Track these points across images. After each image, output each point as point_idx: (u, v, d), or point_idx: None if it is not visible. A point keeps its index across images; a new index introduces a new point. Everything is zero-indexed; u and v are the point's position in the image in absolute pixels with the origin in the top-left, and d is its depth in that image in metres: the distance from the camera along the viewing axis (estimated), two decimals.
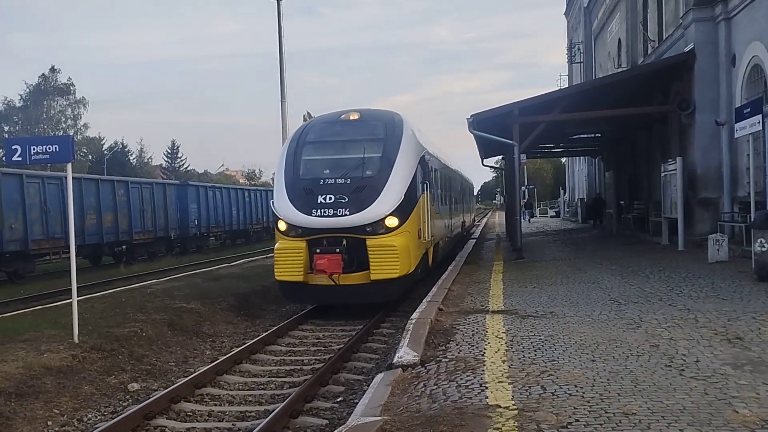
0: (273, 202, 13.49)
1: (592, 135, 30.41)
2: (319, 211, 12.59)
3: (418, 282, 14.74)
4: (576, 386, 6.08)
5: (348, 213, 12.50)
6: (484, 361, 7.18)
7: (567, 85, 47.34)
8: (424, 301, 11.36)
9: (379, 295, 12.81)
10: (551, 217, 58.33)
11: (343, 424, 5.66)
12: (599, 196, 36.45)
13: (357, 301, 13.04)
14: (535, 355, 7.38)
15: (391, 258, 12.43)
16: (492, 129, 19.86)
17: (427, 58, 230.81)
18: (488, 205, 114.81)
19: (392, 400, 6.21)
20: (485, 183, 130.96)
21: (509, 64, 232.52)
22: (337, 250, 12.42)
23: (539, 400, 5.73)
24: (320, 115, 15.68)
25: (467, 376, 6.66)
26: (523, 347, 7.76)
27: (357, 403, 6.71)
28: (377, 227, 12.60)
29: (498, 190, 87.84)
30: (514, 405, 5.61)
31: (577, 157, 48.69)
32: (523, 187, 39.76)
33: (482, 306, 10.91)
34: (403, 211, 12.87)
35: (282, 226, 13.06)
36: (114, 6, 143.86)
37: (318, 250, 12.48)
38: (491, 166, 52.97)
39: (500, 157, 37.92)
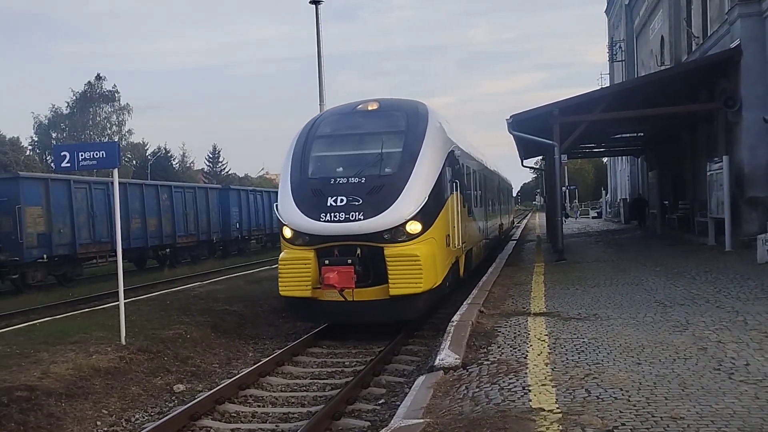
0: (276, 206, 11.89)
1: (635, 134, 29.87)
2: (328, 215, 10.90)
3: (450, 294, 13.26)
4: (621, 389, 5.99)
5: (362, 217, 10.80)
6: (527, 364, 7.12)
7: (608, 84, 46.65)
8: (464, 303, 11.32)
9: (400, 313, 11.07)
10: (593, 218, 57.48)
11: (386, 427, 5.68)
12: (642, 196, 35.81)
13: (373, 321, 11.57)
14: (579, 357, 7.29)
15: (413, 270, 10.65)
16: (532, 129, 19.69)
17: (464, 59, 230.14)
18: (528, 207, 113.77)
19: (434, 402, 6.20)
20: (525, 184, 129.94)
21: (548, 64, 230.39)
22: (349, 261, 10.74)
23: (584, 403, 5.66)
24: (334, 107, 14.04)
25: (510, 378, 6.61)
26: (567, 350, 7.67)
27: (399, 405, 6.72)
28: (397, 234, 10.84)
29: (538, 191, 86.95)
30: (558, 408, 5.55)
31: (619, 157, 47.92)
32: (563, 188, 39.29)
33: (524, 308, 10.82)
34: (427, 214, 11.11)
35: (287, 233, 11.43)
36: (156, 15, 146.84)
37: (327, 261, 10.82)
38: (531, 167, 52.56)
39: (540, 157, 37.54)
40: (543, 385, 6.30)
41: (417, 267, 10.66)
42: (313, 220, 10.98)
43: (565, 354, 7.47)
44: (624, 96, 21.06)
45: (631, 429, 5.00)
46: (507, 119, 19.24)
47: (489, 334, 8.85)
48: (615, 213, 48.45)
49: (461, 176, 14.25)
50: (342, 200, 10.98)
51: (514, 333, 8.82)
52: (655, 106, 21.67)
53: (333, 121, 13.01)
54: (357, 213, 10.84)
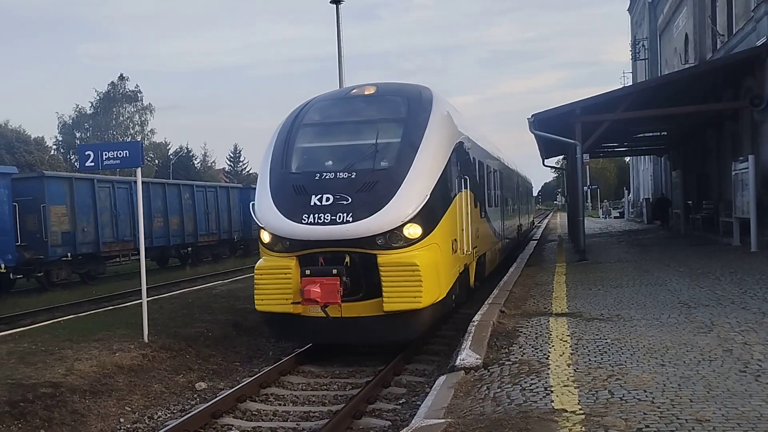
0: (253, 206, 10.25)
1: (658, 133, 29.58)
2: (312, 216, 9.37)
3: (460, 305, 12.12)
4: (645, 391, 5.92)
5: (352, 219, 9.26)
6: (549, 365, 7.07)
7: (631, 83, 46.22)
8: (485, 303, 11.26)
9: (396, 333, 9.52)
10: (615, 217, 57.00)
11: (407, 426, 5.67)
12: (665, 195, 35.44)
13: (365, 341, 10.21)
14: (602, 358, 7.22)
15: (411, 281, 9.11)
16: (553, 128, 19.55)
17: (486, 58, 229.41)
18: (549, 206, 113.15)
19: (455, 402, 6.18)
20: (546, 183, 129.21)
21: (570, 62, 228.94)
22: (335, 271, 9.16)
23: (607, 405, 5.60)
24: (327, 92, 12.42)
25: (531, 379, 6.57)
26: (589, 351, 7.61)
27: (419, 405, 6.70)
28: (392, 238, 9.34)
29: (559, 190, 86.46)
30: (580, 409, 5.50)
31: (642, 156, 47.46)
32: (585, 188, 38.99)
33: (545, 308, 10.74)
34: (429, 215, 9.63)
35: (264, 237, 9.89)
36: (179, 16, 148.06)
37: (308, 272, 9.25)
38: (552, 167, 52.23)
39: (561, 157, 37.30)
40: (565, 386, 6.25)
41: (416, 278, 9.11)
42: (294, 223, 9.45)
43: (588, 355, 7.41)
44: (647, 95, 20.85)
45: (655, 431, 4.94)
46: (528, 118, 19.11)
47: (510, 335, 8.80)
48: (638, 213, 48.00)
49: (472, 172, 12.89)
50: (328, 199, 9.47)
51: (536, 333, 8.76)
52: (679, 105, 21.43)
53: (323, 107, 11.44)
54: (345, 214, 9.31)
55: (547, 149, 28.22)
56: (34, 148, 65.63)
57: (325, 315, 9.18)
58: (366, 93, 11.30)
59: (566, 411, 5.49)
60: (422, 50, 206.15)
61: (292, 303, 9.38)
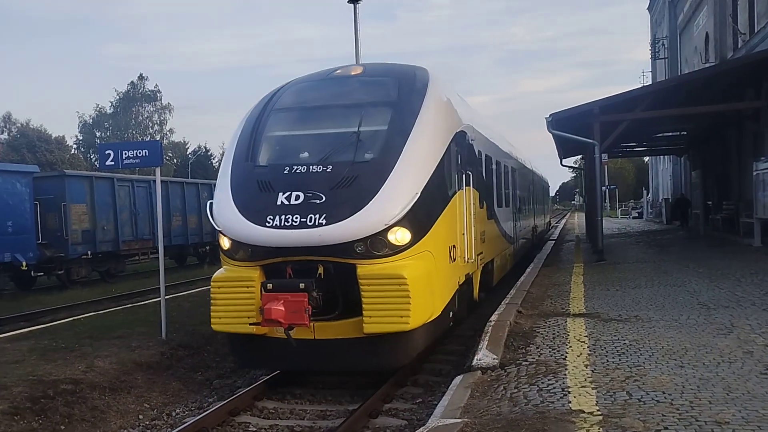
0: (211, 205, 8.75)
1: (678, 133, 29.33)
2: (278, 218, 7.87)
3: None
4: (664, 393, 5.89)
5: (325, 222, 7.75)
6: (566, 365, 7.04)
7: (650, 83, 45.85)
8: (502, 303, 11.23)
9: (379, 360, 8.05)
10: (633, 218, 56.56)
11: (423, 426, 5.67)
12: (684, 196, 35.13)
13: (342, 368, 8.70)
14: (620, 359, 7.18)
15: (397, 298, 7.61)
16: (571, 128, 19.45)
17: (504, 58, 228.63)
18: (566, 206, 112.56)
19: (472, 402, 6.17)
20: (564, 183, 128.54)
21: (588, 62, 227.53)
22: (302, 285, 7.61)
23: (625, 406, 5.58)
24: (308, 74, 10.76)
25: (549, 380, 6.55)
26: (607, 351, 7.57)
27: (436, 404, 6.70)
28: (375, 245, 7.83)
29: (577, 190, 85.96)
30: (598, 410, 5.48)
31: (661, 156, 47.07)
32: (603, 187, 38.73)
33: (563, 309, 10.69)
34: (420, 216, 8.15)
35: (224, 242, 8.43)
36: (197, 16, 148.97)
37: (269, 286, 7.73)
38: (570, 166, 51.90)
39: (579, 156, 37.09)
40: (583, 386, 6.22)
41: (403, 293, 7.60)
42: (257, 226, 7.95)
43: (606, 356, 7.37)
44: (667, 94, 20.68)
45: None
46: (546, 118, 19.02)
47: (527, 335, 8.78)
48: (656, 213, 47.63)
49: (477, 167, 11.44)
50: (298, 197, 7.99)
51: (553, 334, 8.73)
52: (699, 104, 21.24)
53: (300, 90, 9.97)
54: (318, 215, 7.80)
55: (565, 149, 28.08)
56: (55, 147, 66.42)
57: (289, 338, 7.61)
58: (352, 73, 9.94)
59: (584, 412, 5.47)
60: (439, 50, 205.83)
61: (254, 323, 7.86)
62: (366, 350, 7.90)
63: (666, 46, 42.99)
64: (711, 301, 10.61)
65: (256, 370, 9.74)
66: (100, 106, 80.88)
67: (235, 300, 8.08)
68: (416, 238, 8.05)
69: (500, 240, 14.49)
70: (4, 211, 19.53)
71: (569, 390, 6.13)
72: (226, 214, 8.33)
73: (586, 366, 6.97)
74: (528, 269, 16.71)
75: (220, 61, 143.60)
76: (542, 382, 6.47)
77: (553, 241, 29.10)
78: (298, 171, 8.31)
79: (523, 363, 7.33)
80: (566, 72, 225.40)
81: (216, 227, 8.53)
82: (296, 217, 7.86)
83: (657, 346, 7.69)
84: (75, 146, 78.14)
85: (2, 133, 73.90)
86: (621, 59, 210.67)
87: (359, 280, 7.73)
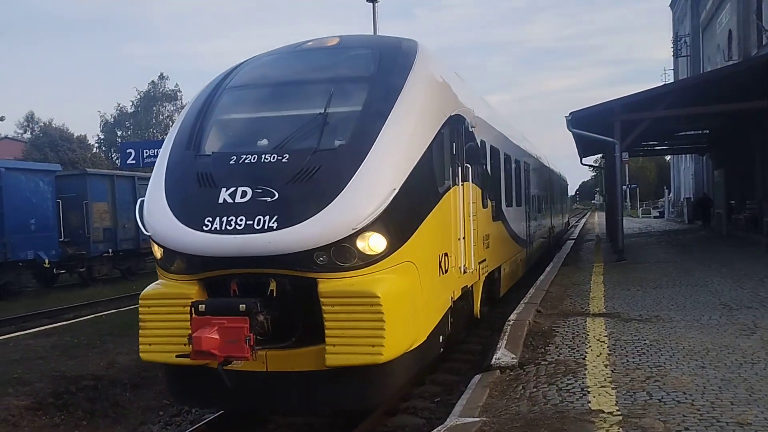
0: (141, 203, 7.17)
1: (700, 131, 29.01)
2: (218, 221, 6.39)
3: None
4: (685, 393, 5.84)
5: (277, 225, 6.25)
6: (586, 365, 7.00)
7: (672, 81, 45.40)
8: (521, 302, 11.18)
9: (346, 398, 6.57)
10: (654, 217, 56.06)
11: (442, 424, 5.67)
12: (707, 195, 34.75)
13: (301, 407, 7.15)
14: (640, 359, 7.13)
15: (368, 322, 6.11)
16: (591, 127, 19.32)
17: (524, 56, 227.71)
18: (587, 206, 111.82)
19: (490, 401, 6.16)
20: (584, 182, 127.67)
21: (609, 60, 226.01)
22: (243, 306, 6.07)
23: (645, 406, 5.54)
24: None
25: (568, 379, 6.52)
26: (627, 351, 7.52)
27: (454, 403, 6.70)
28: (341, 255, 6.32)
29: (597, 189, 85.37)
30: (618, 410, 5.45)
31: (683, 155, 46.59)
32: (624, 187, 38.37)
33: (582, 308, 10.63)
34: (400, 218, 6.61)
35: (156, 250, 6.98)
36: (216, 15, 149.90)
37: (201, 307, 6.19)
38: (590, 165, 51.56)
39: (600, 155, 36.82)
40: (602, 386, 6.19)
41: (375, 316, 6.10)
42: (192, 230, 6.44)
43: (626, 356, 7.32)
44: (689, 92, 20.46)
45: None
46: (566, 116, 18.93)
47: (546, 334, 8.74)
48: (678, 213, 47.17)
49: (480, 160, 9.96)
50: (245, 193, 6.51)
51: (573, 333, 8.68)
52: (722, 103, 20.98)
53: (262, 65, 8.48)
54: (268, 217, 6.31)
55: (585, 148, 27.90)
56: (77, 146, 67.08)
57: (223, 375, 6.09)
58: (327, 45, 8.45)
59: (603, 412, 5.44)
60: (459, 48, 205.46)
61: (181, 355, 6.29)
62: (330, 386, 6.38)
63: (688, 44, 42.53)
64: (733, 302, 10.49)
65: (195, 408, 8.10)
66: (121, 105, 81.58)
67: (168, 323, 6.51)
68: (394, 245, 6.49)
69: (509, 244, 13.02)
70: (27, 209, 19.80)
71: (589, 390, 6.10)
72: (157, 216, 6.82)
73: (606, 366, 6.92)
74: (547, 268, 16.63)
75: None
76: (561, 382, 6.44)
77: (573, 241, 28.92)
78: (246, 161, 6.75)
79: (543, 362, 7.30)
80: (586, 70, 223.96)
81: (144, 232, 6.95)
82: (241, 219, 6.35)
83: (678, 347, 7.62)
84: (96, 145, 78.89)
85: (25, 132, 74.98)
86: (642, 57, 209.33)
87: (320, 299, 6.20)
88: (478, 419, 5.54)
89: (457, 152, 8.34)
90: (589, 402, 5.74)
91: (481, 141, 10.19)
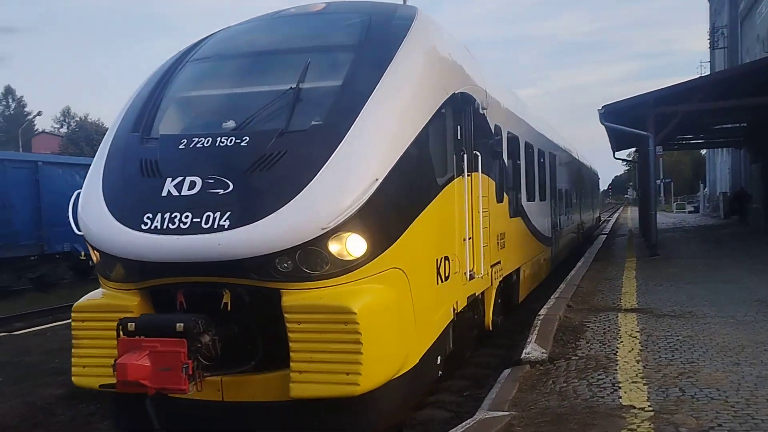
0: (78, 196, 6.30)
1: (737, 124, 28.43)
2: (159, 218, 5.36)
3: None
4: (718, 390, 5.75)
5: (229, 223, 5.22)
6: (617, 360, 6.94)
7: (708, 73, 44.54)
8: (551, 297, 11.10)
9: None
10: (689, 212, 55.16)
11: (470, 418, 5.66)
12: (744, 189, 34.06)
13: None
14: (673, 355, 7.04)
15: (342, 343, 5.12)
16: (625, 120, 19.05)
17: (553, 50, 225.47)
18: (619, 200, 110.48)
19: (520, 396, 6.13)
20: (617, 177, 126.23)
21: (642, 54, 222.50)
22: (180, 325, 5.04)
23: (677, 402, 5.47)
24: None
25: (599, 374, 6.46)
26: (659, 347, 7.43)
27: (483, 397, 6.68)
28: (309, 260, 5.29)
29: (630, 184, 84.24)
30: (649, 406, 5.39)
31: (719, 149, 45.72)
32: (658, 181, 37.76)
33: (614, 304, 10.52)
34: (385, 215, 5.59)
35: (92, 254, 6.00)
36: (244, 12, 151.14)
37: (131, 326, 5.20)
38: (624, 159, 50.83)
39: (633, 149, 36.31)
40: (634, 382, 6.12)
41: (351, 337, 5.08)
42: (128, 229, 5.43)
43: (658, 351, 7.23)
44: (726, 84, 20.05)
45: (728, 431, 4.80)
46: (599, 109, 18.68)
47: (577, 329, 8.67)
48: (713, 207, 46.36)
49: (494, 147, 8.78)
50: (193, 184, 5.45)
51: (604, 329, 8.60)
52: (760, 95, 20.54)
53: (234, 33, 7.44)
54: (219, 213, 5.26)
55: (618, 141, 27.54)
56: None
57: (150, 414, 5.08)
58: (310, 11, 7.39)
59: (634, 407, 5.38)
60: (487, 42, 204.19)
61: (106, 385, 5.33)
62: (298, 422, 5.34)
63: (726, 36, 41.65)
64: None
65: None
66: None
67: (105, 340, 5.43)
68: (377, 248, 5.43)
69: (531, 242, 11.95)
70: (63, 202, 20.10)
71: (620, 385, 6.04)
72: (90, 212, 5.83)
73: (638, 361, 6.85)
74: (578, 264, 16.47)
75: None
76: (592, 377, 6.39)
77: (605, 236, 28.61)
78: (199, 145, 5.70)
79: (573, 357, 7.25)
80: (618, 64, 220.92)
81: (76, 231, 6.01)
82: (186, 216, 5.27)
83: (712, 343, 7.51)
84: None
85: (62, 126, 76.60)
86: (677, 50, 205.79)
87: (284, 315, 5.20)
88: (507, 413, 5.52)
89: (463, 137, 7.20)
90: (620, 397, 5.69)
91: (496, 126, 9.06)
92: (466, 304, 7.32)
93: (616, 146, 29.51)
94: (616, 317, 9.30)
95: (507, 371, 7.14)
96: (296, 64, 6.24)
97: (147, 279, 5.57)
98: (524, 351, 7.62)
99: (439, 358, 6.57)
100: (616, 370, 6.58)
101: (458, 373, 8.97)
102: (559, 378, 6.53)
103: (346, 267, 5.33)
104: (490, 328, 8.80)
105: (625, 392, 5.82)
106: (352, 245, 5.32)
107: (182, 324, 5.03)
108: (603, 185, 55.77)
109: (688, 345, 7.47)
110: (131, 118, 6.39)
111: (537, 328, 8.62)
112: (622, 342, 7.76)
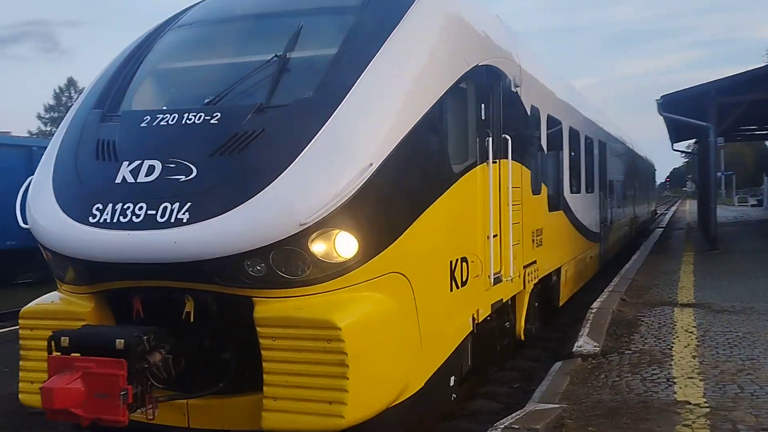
0: (27, 186, 5.39)
1: None
2: (110, 209, 4.58)
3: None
4: None
5: (188, 217, 4.40)
6: (672, 356, 6.81)
7: None
8: (605, 290, 10.93)
9: None
10: (752, 206, 53.38)
11: (520, 409, 5.64)
12: None
13: None
14: (731, 352, 6.87)
15: (324, 366, 4.29)
16: (684, 111, 18.55)
17: (610, 38, 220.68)
18: (678, 193, 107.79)
19: (571, 389, 6.07)
20: (675, 169, 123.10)
21: (705, 41, 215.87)
22: (120, 342, 4.25)
23: (735, 399, 5.34)
24: None
25: (653, 369, 6.36)
26: (717, 343, 7.25)
27: (534, 390, 6.64)
28: (285, 263, 4.45)
29: (689, 176, 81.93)
30: (705, 402, 5.28)
31: None
32: (718, 174, 36.61)
33: (670, 298, 10.30)
34: (382, 208, 4.74)
35: (43, 251, 5.14)
36: None
37: (65, 340, 4.43)
38: (682, 151, 49.48)
39: (693, 141, 35.30)
40: (689, 378, 6.00)
41: (335, 358, 4.27)
42: (75, 222, 4.68)
43: (716, 347, 7.06)
44: None
45: None
46: (657, 100, 18.26)
47: (631, 323, 8.53)
48: None
49: (529, 132, 7.90)
50: (152, 169, 4.66)
51: (659, 323, 8.44)
52: None
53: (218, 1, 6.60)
54: (177, 204, 4.46)
55: (677, 133, 26.84)
56: None
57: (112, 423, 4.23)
58: None
59: (690, 403, 5.28)
60: (542, 31, 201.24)
61: (34, 411, 4.87)
62: None
63: None
64: None
65: None
66: None
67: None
68: (371, 248, 4.57)
69: (574, 239, 10.95)
70: None
71: (675, 380, 5.93)
72: (38, 202, 5.04)
73: (694, 357, 6.71)
74: (634, 257, 16.18)
75: None
76: (646, 372, 6.29)
77: (662, 229, 27.96)
78: (162, 123, 4.90)
79: (626, 352, 7.14)
80: (678, 52, 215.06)
81: (21, 224, 5.20)
82: (140, 207, 4.48)
83: None
84: None
85: None
86: (743, 38, 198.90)
87: (257, 328, 4.42)
88: (557, 405, 5.48)
89: (488, 117, 6.23)
90: (675, 393, 5.59)
91: (533, 107, 7.99)
92: (490, 312, 6.32)
93: (675, 137, 28.76)
94: (672, 312, 9.10)
95: (558, 364, 7.08)
96: (288, 29, 5.43)
97: (97, 282, 4.81)
98: (576, 344, 7.53)
99: (452, 378, 5.56)
100: (671, 365, 6.46)
101: (509, 365, 8.94)
102: (612, 372, 6.44)
103: (333, 271, 4.45)
104: (522, 338, 7.79)
105: (681, 388, 5.71)
106: (341, 244, 4.45)
107: (122, 341, 4.20)
108: (660, 177, 54.34)
109: (748, 341, 7.27)
110: (96, 92, 5.59)
111: (589, 322, 8.51)
112: (677, 337, 7.60)
